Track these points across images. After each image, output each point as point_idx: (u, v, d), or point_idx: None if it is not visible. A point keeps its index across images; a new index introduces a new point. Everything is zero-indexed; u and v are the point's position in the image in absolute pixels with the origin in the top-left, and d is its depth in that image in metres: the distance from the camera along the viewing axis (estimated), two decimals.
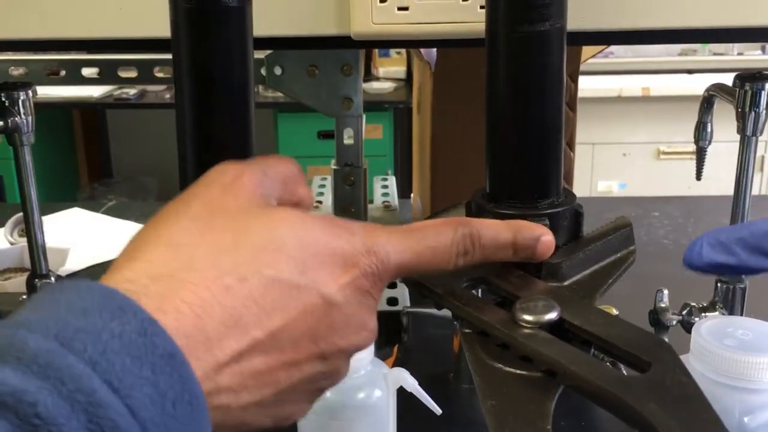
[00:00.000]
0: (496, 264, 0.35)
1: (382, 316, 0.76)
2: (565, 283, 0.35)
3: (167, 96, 2.48)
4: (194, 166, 0.38)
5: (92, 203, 1.24)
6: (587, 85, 2.44)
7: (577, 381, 0.29)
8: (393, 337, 0.74)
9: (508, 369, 0.31)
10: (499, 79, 0.36)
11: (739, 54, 2.55)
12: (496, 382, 0.31)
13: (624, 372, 0.30)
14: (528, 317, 0.32)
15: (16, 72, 0.94)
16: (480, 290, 0.35)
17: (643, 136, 2.53)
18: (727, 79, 0.67)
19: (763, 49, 2.57)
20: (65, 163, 2.99)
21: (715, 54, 2.56)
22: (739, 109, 0.65)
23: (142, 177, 2.90)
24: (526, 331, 0.32)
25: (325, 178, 1.10)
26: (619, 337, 0.31)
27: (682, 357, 0.49)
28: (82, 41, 0.46)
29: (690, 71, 2.52)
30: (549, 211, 0.36)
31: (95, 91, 2.43)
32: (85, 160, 3.08)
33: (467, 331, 0.33)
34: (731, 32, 0.52)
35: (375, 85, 2.62)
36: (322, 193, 1.07)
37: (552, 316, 0.32)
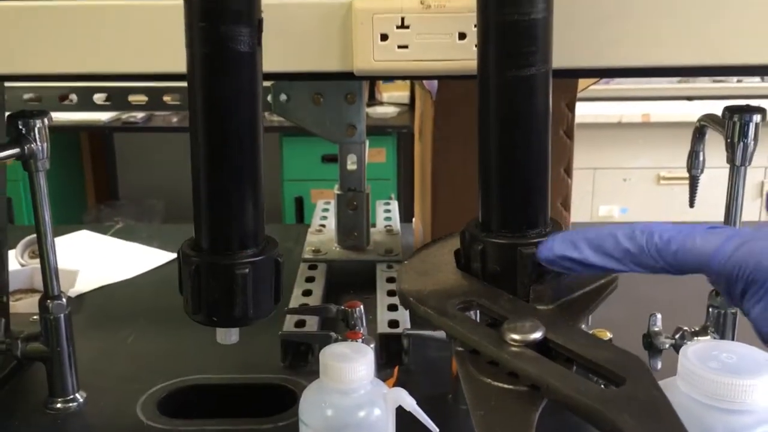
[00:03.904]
0: (487, 289, 0.37)
1: (383, 338, 0.78)
2: (552, 306, 0.37)
3: (174, 120, 2.51)
4: (207, 192, 0.40)
5: (99, 226, 1.26)
6: (589, 111, 2.47)
7: (559, 395, 0.32)
8: (394, 359, 0.76)
9: (496, 384, 0.34)
10: (489, 118, 0.39)
11: (739, 81, 2.58)
12: (486, 395, 0.34)
13: (602, 386, 0.32)
14: (515, 336, 0.35)
15: (27, 97, 0.97)
16: (473, 312, 0.38)
17: (643, 162, 2.55)
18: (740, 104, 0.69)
19: (762, 78, 2.60)
20: (72, 185, 3.03)
21: (714, 81, 2.59)
22: (728, 140, 0.67)
23: (148, 199, 2.93)
24: (514, 349, 0.35)
25: (328, 202, 1.13)
26: (598, 355, 0.34)
27: (671, 379, 0.51)
28: (97, 75, 0.49)
29: (690, 98, 2.55)
30: (537, 240, 0.39)
31: (104, 115, 2.48)
32: (92, 182, 3.11)
33: (460, 349, 0.36)
34: (707, 69, 0.55)
35: (379, 110, 2.66)
36: (325, 217, 1.09)
37: (537, 335, 0.34)
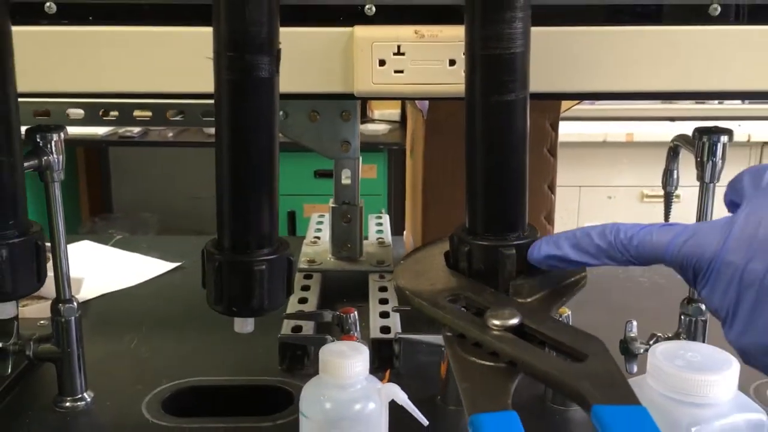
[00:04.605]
0: (473, 284, 0.43)
1: (375, 343, 0.83)
2: (528, 299, 0.44)
3: (170, 135, 2.55)
4: (229, 200, 0.46)
5: (100, 237, 1.30)
6: (574, 130, 2.54)
7: (533, 370, 0.39)
8: (385, 363, 0.80)
9: (479, 361, 0.40)
10: (475, 137, 0.45)
11: (720, 103, 2.66)
12: (471, 371, 0.40)
13: (568, 362, 0.38)
14: (496, 322, 0.41)
15: (37, 112, 1.00)
16: (460, 304, 0.43)
17: (627, 180, 2.62)
18: (708, 125, 0.74)
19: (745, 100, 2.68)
20: (67, 198, 3.04)
21: (697, 102, 2.67)
22: (698, 159, 0.72)
23: (142, 213, 2.96)
24: (495, 332, 0.41)
25: (322, 215, 1.17)
26: (565, 337, 0.41)
27: (641, 377, 0.56)
28: (126, 94, 0.54)
29: (672, 119, 2.62)
30: (516, 242, 0.46)
31: (100, 129, 2.51)
32: (86, 195, 3.14)
33: (449, 334, 0.42)
34: (684, 94, 0.60)
35: (370, 127, 2.70)
36: (320, 230, 1.13)
37: (515, 321, 0.41)
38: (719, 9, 0.53)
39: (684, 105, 2.65)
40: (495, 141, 0.46)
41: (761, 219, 0.40)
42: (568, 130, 2.54)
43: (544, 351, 0.41)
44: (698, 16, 0.54)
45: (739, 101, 2.67)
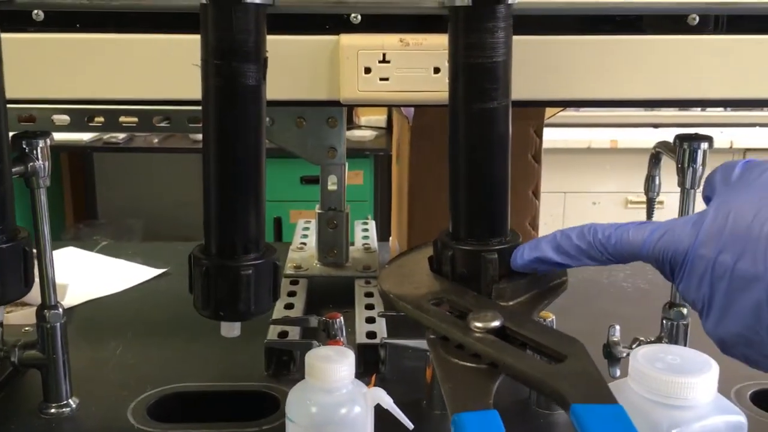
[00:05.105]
0: (456, 287, 0.44)
1: (361, 348, 0.83)
2: (510, 303, 0.45)
3: (155, 141, 2.55)
4: (216, 205, 0.47)
5: (84, 243, 1.30)
6: (559, 137, 2.56)
7: (513, 371, 0.40)
8: (371, 368, 0.80)
9: (462, 363, 0.41)
10: (458, 144, 0.46)
11: (702, 110, 2.69)
12: (454, 372, 0.41)
13: (548, 363, 0.39)
14: (478, 324, 0.42)
15: (21, 117, 1.00)
16: (443, 306, 0.44)
17: (611, 186, 2.64)
18: (690, 132, 0.76)
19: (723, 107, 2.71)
20: (51, 204, 3.03)
21: (680, 109, 2.70)
22: (679, 165, 0.73)
23: (127, 219, 2.95)
24: (477, 335, 0.42)
25: (309, 221, 1.17)
26: (546, 339, 0.42)
27: (623, 379, 0.57)
28: (115, 101, 0.54)
29: (655, 125, 2.65)
30: (498, 247, 0.47)
31: (85, 135, 2.50)
32: (70, 201, 3.13)
33: (432, 336, 0.43)
34: (665, 102, 0.61)
35: (356, 133, 2.71)
36: (306, 236, 1.14)
37: (496, 323, 0.42)
38: (697, 19, 0.55)
39: (667, 112, 2.68)
40: (477, 147, 0.47)
41: (729, 211, 0.42)
42: (553, 137, 2.56)
43: (524, 352, 0.41)
44: (677, 25, 0.55)
45: (721, 108, 2.70)
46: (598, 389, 0.38)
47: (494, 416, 0.37)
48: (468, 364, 0.41)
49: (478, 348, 0.41)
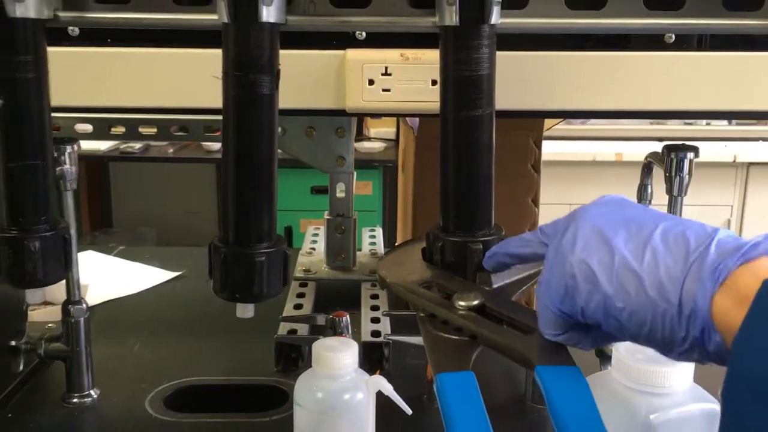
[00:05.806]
0: (445, 274, 0.51)
1: (366, 346, 0.87)
2: (493, 287, 0.50)
3: (170, 150, 2.61)
4: (234, 200, 0.53)
5: (102, 248, 1.35)
6: (564, 149, 2.60)
7: (490, 341, 0.46)
8: (375, 365, 0.84)
9: (446, 336, 0.47)
10: (448, 147, 0.53)
11: (707, 123, 2.72)
12: (438, 344, 0.47)
13: (520, 335, 0.46)
14: (462, 303, 0.49)
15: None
16: (432, 289, 0.50)
17: None
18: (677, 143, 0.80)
19: (728, 121, 2.74)
20: None
21: (685, 123, 2.73)
22: (667, 174, 0.78)
23: (141, 228, 3.01)
24: (460, 312, 0.48)
25: (318, 228, 1.21)
26: (519, 316, 0.48)
27: (607, 370, 0.61)
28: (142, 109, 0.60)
29: (660, 139, 2.68)
30: (483, 239, 0.54)
31: (102, 145, 2.56)
32: (87, 209, 3.19)
33: (421, 314, 0.49)
34: (660, 113, 0.66)
35: (366, 145, 2.75)
36: (315, 241, 1.18)
37: (477, 302, 0.48)
38: (673, 37, 0.60)
39: (672, 126, 2.71)
40: (465, 150, 0.53)
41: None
42: (558, 149, 2.60)
43: (500, 327, 0.47)
44: (656, 44, 0.60)
45: (725, 122, 2.73)
46: (560, 355, 0.44)
47: (470, 376, 0.43)
48: (451, 336, 0.47)
49: (460, 323, 0.47)
